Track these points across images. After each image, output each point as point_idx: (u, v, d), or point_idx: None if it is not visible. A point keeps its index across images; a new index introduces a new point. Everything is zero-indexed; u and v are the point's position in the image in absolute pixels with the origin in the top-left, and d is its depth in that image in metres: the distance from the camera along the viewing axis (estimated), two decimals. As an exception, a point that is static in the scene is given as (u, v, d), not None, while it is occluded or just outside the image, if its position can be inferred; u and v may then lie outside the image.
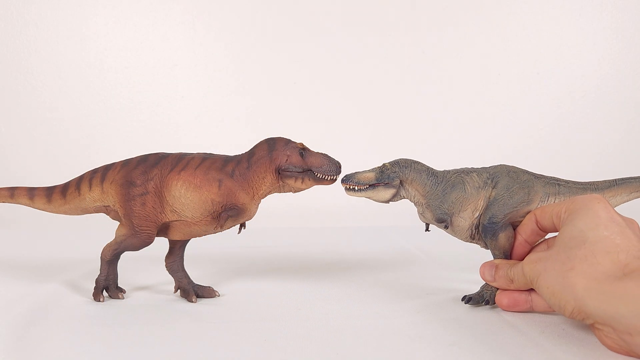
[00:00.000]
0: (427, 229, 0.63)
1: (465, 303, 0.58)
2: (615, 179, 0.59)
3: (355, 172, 0.59)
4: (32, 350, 0.45)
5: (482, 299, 0.57)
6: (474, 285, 0.60)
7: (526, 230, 0.56)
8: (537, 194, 0.57)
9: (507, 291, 0.55)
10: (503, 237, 0.57)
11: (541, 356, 0.43)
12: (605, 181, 0.59)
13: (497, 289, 0.57)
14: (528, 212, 0.57)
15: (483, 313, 0.55)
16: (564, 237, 0.48)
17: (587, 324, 0.45)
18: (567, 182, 0.59)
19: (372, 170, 0.59)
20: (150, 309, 0.57)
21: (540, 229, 0.55)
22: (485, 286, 0.58)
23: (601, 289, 0.42)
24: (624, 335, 0.41)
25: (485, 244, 0.59)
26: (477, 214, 0.57)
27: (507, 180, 0.57)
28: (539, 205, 0.57)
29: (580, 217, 0.47)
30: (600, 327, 0.43)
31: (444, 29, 1.45)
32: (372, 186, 0.58)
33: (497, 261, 0.56)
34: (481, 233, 0.57)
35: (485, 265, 0.57)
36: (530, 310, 0.54)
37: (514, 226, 0.58)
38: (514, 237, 0.57)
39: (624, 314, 0.40)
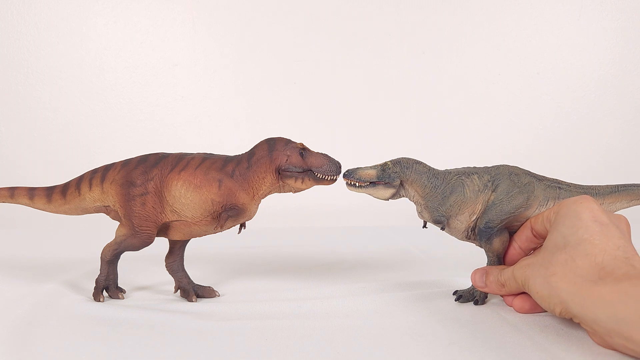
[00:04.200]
0: (424, 226, 0.63)
1: (455, 300, 0.58)
2: (617, 185, 0.59)
3: (358, 168, 0.59)
4: (32, 350, 0.45)
5: (472, 297, 0.58)
6: (474, 285, 0.60)
7: (521, 237, 0.57)
8: (536, 199, 0.57)
9: (526, 295, 0.54)
10: (497, 242, 0.57)
11: (541, 355, 0.43)
12: (607, 186, 0.59)
13: None
14: (526, 217, 0.57)
15: (482, 312, 0.55)
16: (548, 243, 0.50)
17: (576, 322, 0.46)
18: (568, 185, 0.58)
19: (374, 167, 0.59)
20: (150, 309, 0.57)
21: (534, 235, 0.55)
22: None
23: (580, 294, 0.43)
24: (604, 336, 0.43)
25: (480, 244, 0.59)
26: (474, 217, 0.57)
27: (507, 183, 0.56)
28: (537, 209, 0.57)
29: (563, 222, 0.49)
30: (585, 327, 0.45)
31: (444, 29, 1.45)
32: (372, 184, 0.58)
33: (488, 267, 0.57)
34: (476, 235, 0.58)
35: (476, 271, 0.58)
36: (542, 311, 0.54)
37: (510, 230, 0.58)
38: (509, 243, 0.58)
39: (600, 317, 0.41)
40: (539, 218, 0.54)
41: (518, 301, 0.55)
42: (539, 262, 0.49)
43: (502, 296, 0.58)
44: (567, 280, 0.45)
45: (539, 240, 0.56)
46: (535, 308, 0.54)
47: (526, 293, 0.53)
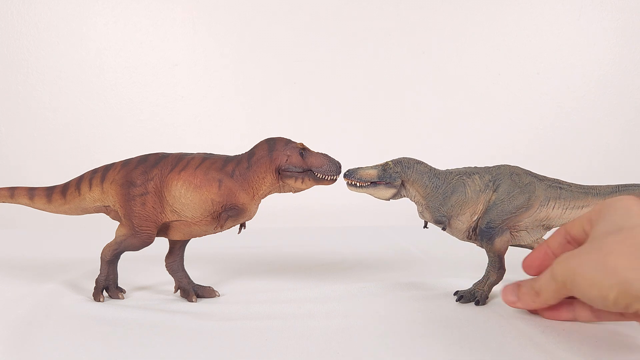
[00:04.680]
0: (425, 226, 0.63)
1: (456, 300, 0.58)
2: (618, 185, 0.59)
3: (359, 168, 0.59)
4: (32, 350, 0.45)
5: (472, 297, 0.58)
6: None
7: (554, 243, 0.53)
8: (537, 199, 0.57)
9: None
10: (499, 242, 0.57)
11: (541, 356, 0.43)
12: (608, 186, 0.59)
13: (489, 290, 0.57)
14: (527, 217, 0.57)
15: (483, 313, 0.55)
16: (597, 232, 0.45)
17: (631, 312, 0.42)
18: (569, 185, 0.58)
19: (375, 167, 0.59)
20: (150, 309, 0.57)
21: (568, 241, 0.52)
22: (478, 284, 0.58)
23: None
24: None
25: (482, 244, 0.59)
26: (476, 217, 0.57)
27: (508, 183, 0.57)
28: (538, 210, 0.57)
29: (613, 212, 0.45)
30: None
31: (444, 29, 1.45)
32: (373, 184, 0.58)
33: (519, 281, 0.53)
34: (478, 235, 0.57)
35: (507, 287, 0.53)
36: (574, 320, 0.52)
37: (512, 230, 0.58)
38: (542, 251, 0.54)
39: None
40: (576, 222, 0.50)
41: None
42: (587, 250, 0.45)
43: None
44: (626, 256, 0.41)
45: (574, 246, 0.51)
46: (558, 312, 0.52)
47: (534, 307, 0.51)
